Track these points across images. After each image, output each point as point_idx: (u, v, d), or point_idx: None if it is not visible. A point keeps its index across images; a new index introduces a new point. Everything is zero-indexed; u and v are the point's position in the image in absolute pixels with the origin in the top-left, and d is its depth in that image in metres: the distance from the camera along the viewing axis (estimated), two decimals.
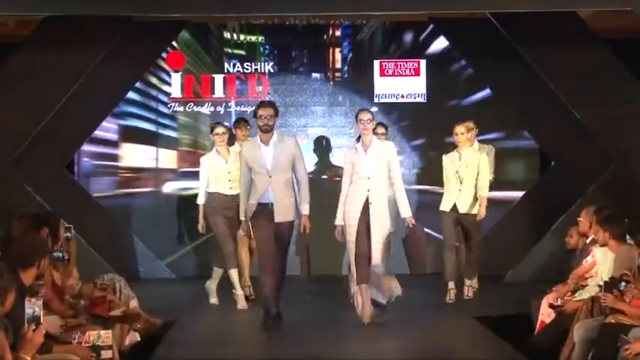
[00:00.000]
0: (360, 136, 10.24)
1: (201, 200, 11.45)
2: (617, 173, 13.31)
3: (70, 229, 8.61)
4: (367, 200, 9.87)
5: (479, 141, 11.99)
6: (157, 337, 9.30)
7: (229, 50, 14.88)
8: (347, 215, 9.94)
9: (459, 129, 11.37)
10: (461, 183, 11.35)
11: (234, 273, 11.18)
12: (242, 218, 10.06)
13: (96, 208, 14.10)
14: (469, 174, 11.35)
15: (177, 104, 14.66)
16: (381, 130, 11.52)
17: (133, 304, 9.07)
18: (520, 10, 11.99)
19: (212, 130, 11.50)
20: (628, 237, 8.34)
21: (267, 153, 9.88)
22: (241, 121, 11.98)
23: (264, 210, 9.80)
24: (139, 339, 8.77)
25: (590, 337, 7.59)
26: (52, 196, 12.94)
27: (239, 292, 11.20)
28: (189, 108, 14.68)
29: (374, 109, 14.50)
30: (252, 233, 10.17)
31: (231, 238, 11.07)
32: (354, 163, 9.99)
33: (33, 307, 5.51)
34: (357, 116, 10.11)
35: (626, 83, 13.40)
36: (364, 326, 9.73)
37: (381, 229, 9.86)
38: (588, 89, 13.33)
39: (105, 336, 6.96)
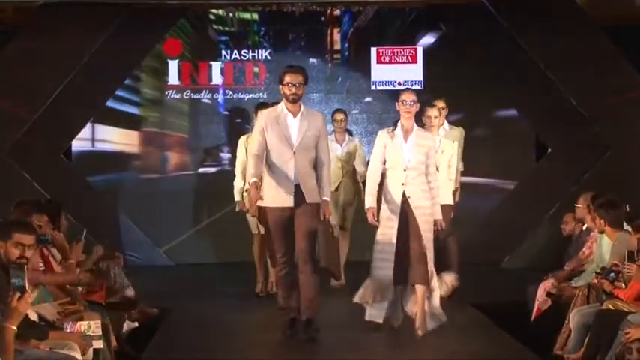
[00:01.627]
0: (397, 121, 8.89)
1: (241, 183, 10.36)
2: (613, 161, 13.36)
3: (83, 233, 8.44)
4: (404, 195, 8.57)
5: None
6: (154, 324, 9.32)
7: (226, 38, 14.85)
8: (382, 214, 8.64)
9: (433, 112, 9.83)
10: (437, 171, 9.25)
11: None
12: (253, 179, 8.25)
13: (93, 194, 14.10)
14: (444, 161, 9.83)
15: (174, 91, 14.64)
16: (440, 104, 10.10)
17: (129, 292, 9.06)
18: None
19: (263, 109, 9.71)
20: (625, 224, 8.34)
21: (293, 126, 8.43)
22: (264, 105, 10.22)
23: (284, 191, 8.35)
24: (137, 325, 8.79)
25: (587, 323, 7.60)
26: (50, 183, 12.95)
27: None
28: (186, 95, 14.67)
29: (369, 97, 14.55)
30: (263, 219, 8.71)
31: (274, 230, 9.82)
32: (388, 149, 8.67)
33: (18, 277, 5.46)
34: (399, 97, 8.78)
35: (623, 71, 13.44)
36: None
37: (426, 222, 8.60)
38: (585, 77, 13.37)
39: (95, 326, 6.92)
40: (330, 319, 8.92)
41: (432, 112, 9.75)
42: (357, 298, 8.87)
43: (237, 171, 10.47)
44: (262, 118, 8.60)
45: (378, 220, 8.64)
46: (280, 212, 8.32)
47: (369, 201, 8.69)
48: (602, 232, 8.43)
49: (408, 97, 8.62)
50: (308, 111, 8.61)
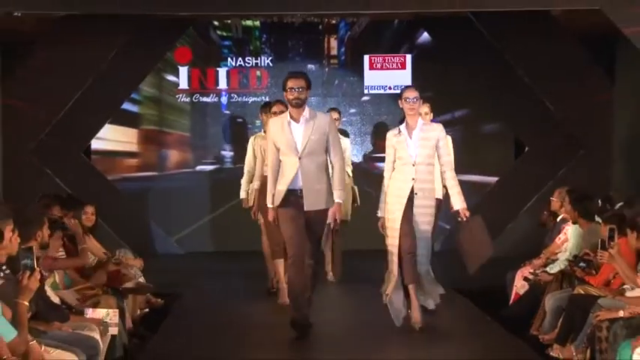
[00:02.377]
0: (403, 118, 8.29)
1: (256, 185, 9.64)
2: (585, 159, 13.39)
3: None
4: (412, 191, 7.97)
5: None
6: (166, 307, 9.34)
7: (231, 46, 14.86)
8: (389, 207, 8.05)
9: (423, 109, 8.86)
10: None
11: (278, 265, 9.40)
12: (269, 205, 7.99)
13: (110, 189, 14.12)
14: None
15: (184, 95, 14.67)
16: (424, 109, 8.97)
17: (142, 280, 9.08)
18: (496, 9, 11.99)
19: (269, 109, 9.56)
20: (596, 216, 8.37)
21: (297, 131, 7.85)
22: (277, 102, 9.59)
23: (293, 197, 7.83)
24: (147, 311, 8.82)
25: (560, 306, 7.64)
26: (71, 179, 12.96)
27: (281, 285, 9.33)
28: (195, 98, 14.70)
29: (363, 99, 14.57)
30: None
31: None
32: (397, 148, 8.08)
33: (27, 257, 5.48)
34: (401, 94, 8.18)
35: (595, 77, 13.47)
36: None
37: (426, 223, 8.05)
38: (560, 82, 13.39)
39: (112, 314, 6.97)
40: (330, 317, 8.70)
41: (423, 108, 8.77)
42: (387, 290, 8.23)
43: (245, 170, 9.96)
44: (270, 129, 8.10)
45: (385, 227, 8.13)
46: (291, 213, 7.80)
47: (383, 209, 8.13)
48: (575, 223, 8.45)
49: (411, 95, 8.07)
50: (313, 114, 7.97)
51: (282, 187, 7.83)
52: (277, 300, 9.38)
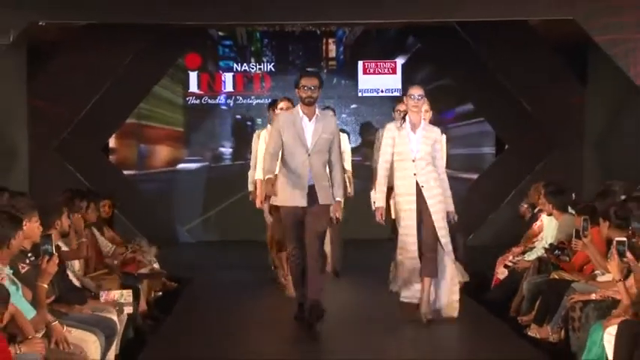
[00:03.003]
0: (404, 115, 7.86)
1: (259, 175, 8.95)
2: (559, 156, 13.44)
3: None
4: (417, 185, 7.57)
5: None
6: (178, 291, 9.34)
7: (238, 53, 14.85)
8: (400, 207, 7.66)
9: (424, 106, 8.14)
10: None
11: (282, 257, 8.96)
12: (267, 176, 7.41)
13: (127, 183, 14.13)
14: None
15: (193, 98, 14.67)
16: (424, 106, 8.10)
17: (156, 266, 9.08)
18: (477, 19, 12.03)
19: (275, 105, 9.15)
20: (570, 208, 8.37)
21: (308, 128, 7.41)
22: (283, 98, 9.20)
23: (311, 193, 7.39)
24: (160, 294, 8.82)
25: (537, 290, 7.64)
26: (91, 174, 12.97)
27: (286, 278, 8.88)
28: (204, 101, 14.70)
29: (356, 102, 14.56)
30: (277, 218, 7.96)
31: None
32: (397, 141, 7.63)
33: (46, 244, 5.55)
34: (406, 91, 7.76)
35: (568, 81, 13.50)
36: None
37: (441, 211, 7.63)
38: (537, 86, 13.43)
39: (126, 294, 6.95)
40: (333, 315, 7.82)
41: (424, 106, 8.05)
42: (394, 288, 7.92)
43: (252, 163, 9.44)
44: (280, 119, 7.64)
45: (385, 221, 7.77)
46: (294, 211, 7.38)
47: (380, 199, 7.72)
48: (550, 214, 8.45)
49: (416, 92, 7.61)
50: (322, 114, 7.63)
51: (291, 184, 7.36)
52: (285, 293, 8.84)
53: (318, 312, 7.29)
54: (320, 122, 7.41)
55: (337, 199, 7.47)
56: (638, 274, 5.84)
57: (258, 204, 9.08)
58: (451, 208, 7.71)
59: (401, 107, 8.65)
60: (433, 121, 8.18)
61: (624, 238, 6.00)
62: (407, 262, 7.65)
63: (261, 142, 9.00)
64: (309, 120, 7.38)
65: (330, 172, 7.49)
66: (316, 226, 7.37)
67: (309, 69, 8.32)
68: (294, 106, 8.41)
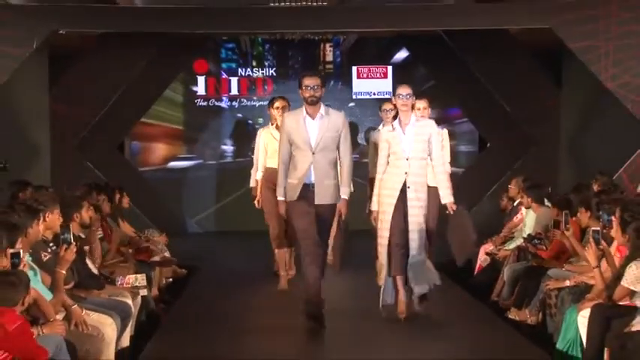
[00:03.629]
0: (396, 114, 7.34)
1: (259, 176, 8.70)
2: (537, 153, 13.44)
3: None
4: (405, 184, 7.03)
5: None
6: (187, 277, 9.34)
7: (243, 59, 14.83)
8: (382, 200, 7.11)
9: (421, 103, 7.79)
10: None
11: (279, 254, 8.67)
12: (280, 198, 7.02)
13: (140, 178, 14.11)
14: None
15: (201, 100, 14.67)
16: (422, 104, 7.80)
17: (167, 254, 9.08)
18: (462, 28, 12.05)
19: (272, 104, 8.71)
20: (546, 201, 8.37)
21: (312, 127, 6.92)
22: (279, 97, 8.81)
23: (305, 191, 6.91)
24: (171, 280, 8.82)
25: (516, 276, 7.63)
26: (107, 170, 12.96)
27: (282, 272, 8.66)
28: (211, 103, 14.69)
29: (351, 104, 14.54)
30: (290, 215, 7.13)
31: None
32: (391, 143, 7.11)
33: (65, 233, 5.62)
34: (394, 91, 7.25)
35: (545, 85, 13.53)
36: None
37: (419, 215, 7.08)
38: (516, 89, 13.45)
39: (141, 279, 6.97)
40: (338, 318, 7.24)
41: (421, 103, 7.76)
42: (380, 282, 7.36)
43: (254, 161, 8.92)
44: (285, 122, 7.10)
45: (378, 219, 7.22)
46: (299, 205, 6.91)
47: (375, 203, 7.22)
48: (528, 207, 8.45)
49: (404, 91, 7.08)
50: (328, 111, 7.01)
51: (294, 180, 6.91)
52: (277, 287, 8.61)
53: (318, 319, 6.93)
54: (324, 120, 6.92)
55: (343, 197, 6.95)
56: (610, 258, 5.84)
57: (256, 204, 8.76)
58: (447, 199, 7.18)
59: (387, 106, 8.41)
60: (436, 120, 7.62)
61: (599, 228, 6.02)
62: (381, 257, 7.19)
63: (260, 141, 8.68)
64: (313, 119, 6.91)
65: (341, 170, 7.02)
66: (320, 225, 6.90)
67: (310, 70, 7.81)
68: (289, 105, 8.46)
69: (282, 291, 8.56)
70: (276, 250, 8.70)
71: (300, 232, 6.95)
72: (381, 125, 8.39)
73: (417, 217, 7.04)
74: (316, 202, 6.87)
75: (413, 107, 7.27)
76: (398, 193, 7.00)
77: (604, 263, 5.94)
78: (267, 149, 8.54)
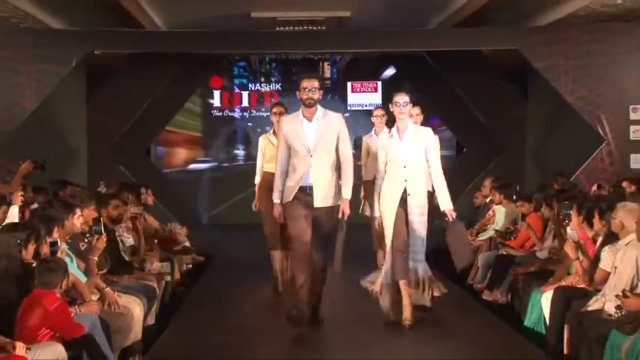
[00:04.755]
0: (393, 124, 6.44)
1: (257, 180, 7.84)
2: (506, 157, 13.45)
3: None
4: (405, 191, 6.17)
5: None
6: (204, 265, 9.32)
7: (252, 75, 14.84)
8: (383, 207, 6.24)
9: (414, 110, 7.08)
10: None
11: (274, 255, 7.70)
12: (275, 201, 6.11)
13: (164, 178, 14.12)
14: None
15: (217, 111, 14.69)
16: (415, 111, 7.14)
17: (187, 244, 9.07)
18: (441, 49, 12.09)
19: (271, 110, 7.84)
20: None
21: (309, 129, 6.00)
22: (276, 104, 7.96)
23: (303, 194, 5.99)
24: (191, 266, 8.81)
25: (489, 263, 7.63)
26: (136, 172, 12.96)
27: (278, 274, 7.71)
28: (225, 113, 14.71)
29: (346, 114, 14.53)
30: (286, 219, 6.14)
31: (274, 219, 6.36)
32: (388, 150, 6.25)
33: (97, 225, 5.75)
34: (391, 98, 6.33)
35: (514, 98, 13.54)
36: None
37: (420, 222, 6.23)
38: (489, 102, 13.47)
39: (165, 266, 7.03)
40: (333, 316, 6.49)
41: (414, 110, 7.08)
42: (365, 284, 6.54)
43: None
44: (282, 126, 6.18)
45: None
46: (296, 208, 5.99)
47: (377, 208, 6.35)
48: (499, 203, 8.44)
49: (400, 99, 6.26)
50: (326, 113, 6.10)
51: (292, 183, 6.00)
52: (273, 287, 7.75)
53: (317, 316, 6.24)
54: (322, 122, 6.02)
55: (345, 197, 5.98)
56: (584, 249, 5.80)
57: (254, 207, 7.87)
58: (446, 206, 6.29)
59: (378, 112, 7.96)
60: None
61: (575, 226, 5.99)
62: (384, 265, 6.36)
63: (259, 147, 7.83)
64: (310, 121, 6.02)
65: (341, 170, 6.07)
66: (320, 231, 5.99)
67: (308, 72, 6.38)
68: (286, 111, 7.36)
69: (276, 290, 7.67)
70: (271, 252, 7.74)
71: (293, 237, 6.02)
72: (373, 131, 8.12)
73: (417, 224, 6.20)
74: (315, 205, 5.94)
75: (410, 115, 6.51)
76: (398, 200, 6.15)
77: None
78: (264, 154, 7.68)
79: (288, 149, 6.06)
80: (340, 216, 5.92)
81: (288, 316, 6.00)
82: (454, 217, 6.26)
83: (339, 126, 6.08)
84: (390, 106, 6.33)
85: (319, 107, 6.07)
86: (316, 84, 6.05)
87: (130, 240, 6.90)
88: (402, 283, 6.21)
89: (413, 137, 6.27)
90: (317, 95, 6.02)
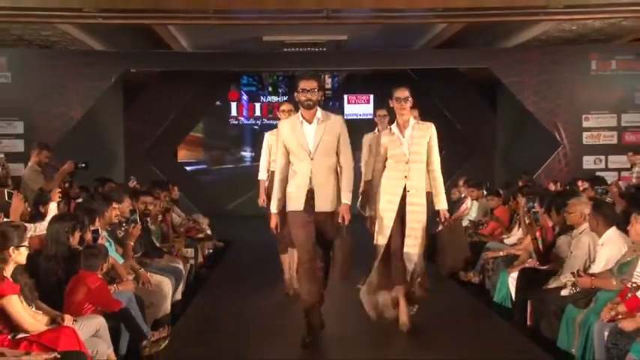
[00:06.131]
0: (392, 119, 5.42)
1: (262, 176, 6.60)
2: (478, 159, 13.42)
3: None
4: (405, 189, 5.07)
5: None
6: (224, 250, 9.31)
7: (263, 89, 14.84)
8: (381, 205, 5.07)
9: (413, 112, 5.63)
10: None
11: (284, 259, 6.54)
12: (273, 210, 4.94)
13: (189, 176, 14.12)
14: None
15: (233, 119, 14.70)
16: (413, 113, 5.67)
17: (208, 231, 9.06)
18: (423, 67, 12.13)
19: (279, 108, 6.53)
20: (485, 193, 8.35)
21: (309, 132, 4.87)
22: (284, 102, 6.68)
23: (305, 200, 4.83)
24: (211, 251, 8.80)
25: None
26: (165, 171, 12.95)
27: (286, 276, 6.51)
28: (240, 121, 14.71)
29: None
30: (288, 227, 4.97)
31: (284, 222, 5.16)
32: (389, 146, 5.15)
33: (133, 215, 5.87)
34: (392, 94, 5.29)
35: (485, 109, 13.51)
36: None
37: (418, 221, 5.08)
38: (464, 112, 13.48)
39: (190, 251, 7.01)
40: (335, 318, 5.43)
41: (412, 112, 5.71)
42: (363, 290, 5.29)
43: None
44: (280, 129, 5.04)
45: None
46: (299, 215, 4.84)
47: (371, 207, 5.35)
48: (475, 199, 8.42)
49: (402, 94, 5.26)
50: (325, 115, 4.97)
51: (293, 188, 4.87)
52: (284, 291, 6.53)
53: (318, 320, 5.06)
54: (321, 125, 4.90)
55: (345, 202, 4.81)
56: (540, 233, 5.81)
57: (260, 202, 6.61)
58: (442, 206, 5.20)
59: (381, 112, 6.80)
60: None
61: (537, 209, 6.04)
62: (378, 265, 5.18)
63: (265, 144, 6.64)
64: (309, 124, 4.90)
65: (341, 174, 4.91)
66: (322, 237, 4.88)
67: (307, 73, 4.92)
68: (295, 110, 5.68)
69: (287, 295, 6.44)
70: (281, 256, 6.61)
71: (297, 245, 4.94)
72: (376, 130, 6.91)
73: (418, 223, 5.07)
74: (316, 210, 4.82)
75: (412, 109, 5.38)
76: (399, 198, 5.06)
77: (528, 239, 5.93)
78: (270, 151, 6.54)
79: (287, 154, 4.93)
80: (340, 221, 4.78)
81: (303, 344, 4.86)
82: (447, 217, 5.21)
83: (340, 128, 4.96)
84: (389, 102, 5.28)
85: (319, 109, 4.94)
86: (315, 85, 4.89)
87: (153, 228, 6.89)
88: (398, 289, 5.12)
89: (415, 133, 5.19)
90: (316, 97, 4.86)
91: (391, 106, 5.31)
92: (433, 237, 5.25)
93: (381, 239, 5.10)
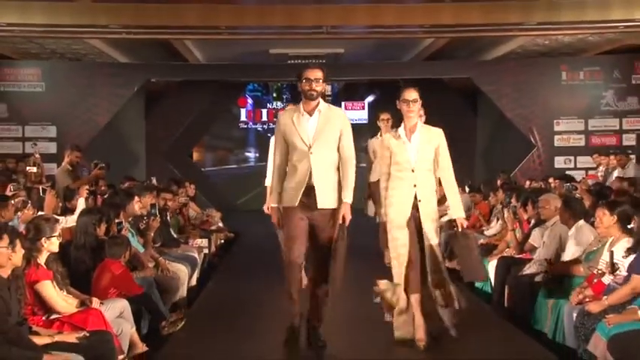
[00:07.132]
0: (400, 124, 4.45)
1: (268, 182, 5.26)
2: (460, 159, 13.27)
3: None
4: (415, 197, 4.19)
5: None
6: (234, 240, 9.28)
7: (269, 96, 14.83)
8: (393, 217, 4.19)
9: (386, 115, 5.29)
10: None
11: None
12: (272, 205, 4.21)
13: (204, 175, 14.10)
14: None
15: (243, 124, 14.69)
16: (385, 115, 5.33)
17: (220, 224, 9.03)
18: (413, 77, 12.08)
19: (284, 108, 5.61)
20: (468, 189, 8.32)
21: (309, 124, 4.11)
22: (288, 103, 5.51)
23: (305, 195, 4.05)
24: (223, 241, 8.78)
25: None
26: (183, 171, 12.94)
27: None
28: (249, 126, 14.70)
29: None
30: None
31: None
32: (394, 152, 4.27)
33: (152, 209, 5.90)
34: (400, 96, 4.39)
35: (467, 112, 13.46)
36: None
37: (434, 229, 4.24)
38: (448, 115, 13.36)
39: (205, 242, 7.00)
40: (337, 318, 4.65)
41: (384, 115, 5.65)
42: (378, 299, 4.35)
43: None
44: (279, 121, 4.25)
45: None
46: (294, 213, 4.07)
47: (384, 213, 4.32)
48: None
49: (410, 96, 4.37)
50: (327, 108, 4.20)
51: (292, 184, 4.09)
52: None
53: (317, 341, 4.18)
54: (322, 117, 4.15)
55: (345, 200, 4.06)
56: (517, 225, 5.81)
57: (265, 210, 5.00)
58: (458, 214, 4.37)
59: (384, 116, 6.25)
60: None
61: (515, 203, 6.02)
62: (396, 276, 4.25)
63: (271, 144, 5.50)
64: (310, 116, 4.14)
65: (342, 170, 4.13)
66: (321, 238, 4.10)
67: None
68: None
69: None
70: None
71: (286, 241, 4.16)
72: (379, 134, 6.31)
73: (433, 232, 4.24)
74: (318, 207, 4.05)
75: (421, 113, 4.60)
76: (410, 209, 4.20)
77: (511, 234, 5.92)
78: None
79: (286, 147, 4.15)
80: (341, 221, 4.03)
81: (285, 339, 4.16)
82: (465, 226, 4.37)
83: (342, 121, 4.20)
84: (397, 103, 4.40)
85: (321, 101, 4.18)
86: (320, 75, 4.12)
87: (171, 221, 6.86)
88: (413, 299, 4.20)
89: (422, 137, 4.33)
90: (320, 87, 4.12)
91: (398, 107, 4.39)
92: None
93: (396, 252, 4.20)
